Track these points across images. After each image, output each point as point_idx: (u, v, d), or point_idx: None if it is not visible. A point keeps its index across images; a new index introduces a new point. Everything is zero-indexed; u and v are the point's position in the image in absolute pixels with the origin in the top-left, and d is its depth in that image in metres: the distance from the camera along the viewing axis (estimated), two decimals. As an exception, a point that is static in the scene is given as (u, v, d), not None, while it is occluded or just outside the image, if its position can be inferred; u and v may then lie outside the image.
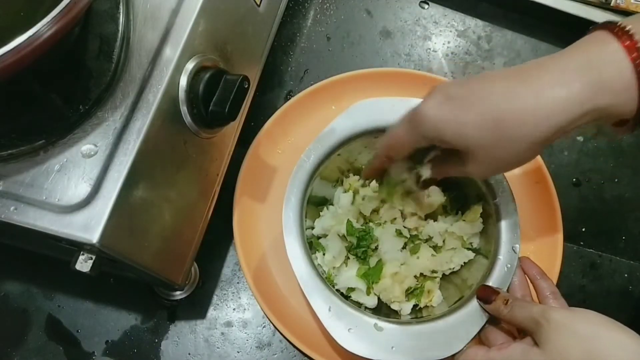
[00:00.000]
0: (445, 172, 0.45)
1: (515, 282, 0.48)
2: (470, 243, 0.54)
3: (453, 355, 0.46)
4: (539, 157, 0.58)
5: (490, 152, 0.38)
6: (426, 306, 0.52)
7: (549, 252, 0.56)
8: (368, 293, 0.52)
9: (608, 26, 0.37)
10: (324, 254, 0.53)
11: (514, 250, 0.49)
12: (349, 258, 0.54)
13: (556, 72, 0.36)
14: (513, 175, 0.56)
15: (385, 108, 0.53)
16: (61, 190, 0.38)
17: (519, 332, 0.45)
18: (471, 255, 0.53)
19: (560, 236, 0.56)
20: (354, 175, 0.57)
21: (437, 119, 0.38)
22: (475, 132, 0.37)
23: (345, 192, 0.56)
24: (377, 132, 0.53)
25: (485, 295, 0.46)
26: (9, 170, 0.38)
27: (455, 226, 0.53)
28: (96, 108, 0.40)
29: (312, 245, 0.54)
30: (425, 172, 0.47)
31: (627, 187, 0.61)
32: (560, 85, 0.36)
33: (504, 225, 0.50)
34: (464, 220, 0.53)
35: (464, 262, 0.53)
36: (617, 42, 0.35)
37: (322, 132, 0.52)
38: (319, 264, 0.52)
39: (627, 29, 0.36)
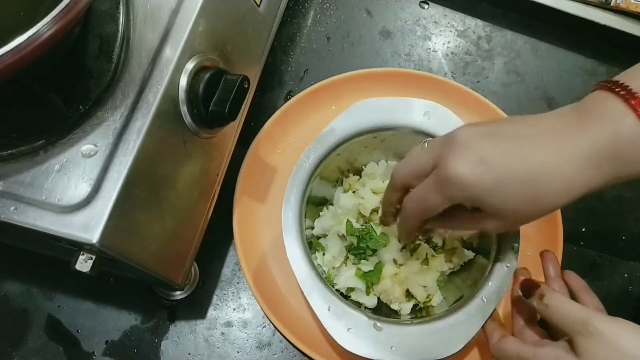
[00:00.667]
0: (456, 226, 0.44)
1: (551, 272, 0.48)
2: (470, 243, 0.54)
3: (454, 353, 0.46)
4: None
5: (521, 216, 0.39)
6: (426, 306, 0.52)
7: (549, 252, 0.56)
8: (368, 293, 0.52)
9: (609, 87, 0.37)
10: (323, 254, 0.53)
11: (513, 250, 0.49)
12: (348, 258, 0.54)
13: (584, 144, 0.37)
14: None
15: (385, 108, 0.53)
16: (61, 190, 0.38)
17: (551, 327, 0.44)
18: (471, 255, 0.53)
19: (560, 236, 0.56)
20: (354, 175, 0.57)
21: (477, 188, 0.37)
22: (512, 198, 0.37)
23: (345, 192, 0.56)
24: (377, 132, 0.53)
25: (528, 287, 0.44)
26: (9, 170, 0.38)
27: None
28: (96, 108, 0.40)
29: (311, 245, 0.54)
30: (438, 239, 0.50)
31: (627, 187, 0.61)
32: (589, 159, 0.37)
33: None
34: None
35: (464, 262, 0.53)
36: (628, 109, 0.36)
37: (322, 132, 0.52)
38: (318, 264, 0.52)
39: (630, 88, 0.36)
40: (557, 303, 0.41)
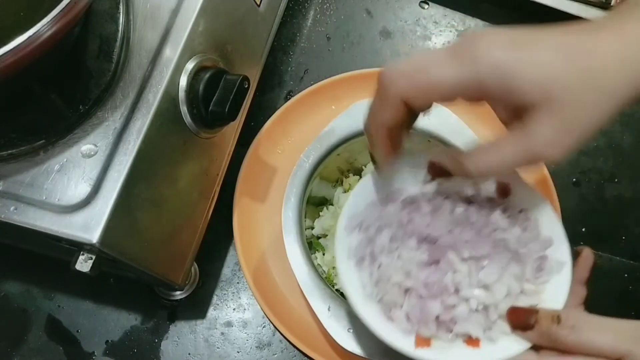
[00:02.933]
0: (496, 151, 0.32)
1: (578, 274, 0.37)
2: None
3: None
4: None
5: (578, 109, 0.29)
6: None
7: (548, 252, 0.55)
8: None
9: None
10: (323, 254, 0.53)
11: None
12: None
13: (632, 31, 0.29)
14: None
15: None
16: (61, 190, 0.38)
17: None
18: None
19: (560, 236, 0.56)
20: (354, 175, 0.57)
21: (510, 60, 0.29)
22: (564, 77, 0.28)
23: (345, 192, 0.56)
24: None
25: (519, 319, 0.33)
26: (9, 170, 0.38)
27: None
28: (96, 108, 0.40)
29: (311, 245, 0.54)
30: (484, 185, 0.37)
31: (627, 187, 0.61)
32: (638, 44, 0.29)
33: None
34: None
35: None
36: None
37: (321, 132, 0.52)
38: (318, 264, 0.52)
39: None
40: (588, 325, 0.32)
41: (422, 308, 0.35)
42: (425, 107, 0.32)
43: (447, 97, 0.31)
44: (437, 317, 0.35)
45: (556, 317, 0.32)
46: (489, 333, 0.35)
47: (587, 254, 0.39)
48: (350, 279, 0.36)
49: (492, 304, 0.35)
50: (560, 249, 0.38)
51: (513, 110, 0.30)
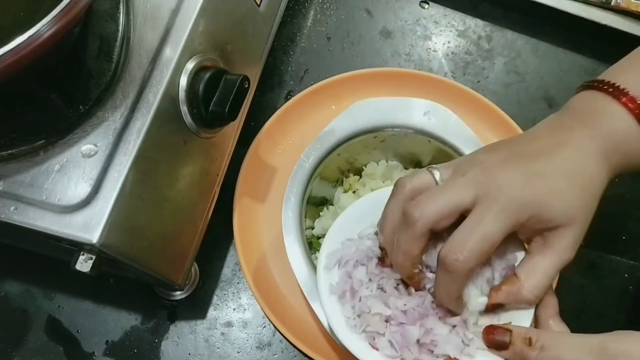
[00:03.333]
0: (538, 272, 0.37)
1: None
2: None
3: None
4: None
5: (583, 216, 0.37)
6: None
7: (549, 252, 0.56)
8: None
9: (597, 86, 0.39)
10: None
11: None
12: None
13: (591, 143, 0.37)
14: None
15: (385, 108, 0.53)
16: (61, 190, 0.38)
17: None
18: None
19: (560, 236, 0.56)
20: (354, 175, 0.57)
21: (535, 197, 0.35)
22: (576, 200, 0.36)
23: (345, 192, 0.56)
24: (377, 131, 0.53)
25: (495, 338, 0.36)
26: (9, 170, 0.38)
27: None
28: (96, 108, 0.40)
29: (312, 245, 0.54)
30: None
31: (627, 187, 0.61)
32: (599, 154, 0.37)
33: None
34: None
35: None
36: (616, 103, 0.37)
37: (322, 132, 0.52)
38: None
39: (618, 85, 0.37)
40: (554, 341, 0.35)
41: (403, 334, 0.37)
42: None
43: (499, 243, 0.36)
44: (418, 341, 0.37)
45: (527, 339, 0.35)
46: (468, 350, 0.37)
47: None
48: (335, 313, 0.40)
49: (469, 318, 0.37)
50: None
51: (540, 232, 0.37)
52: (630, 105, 0.37)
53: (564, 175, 0.36)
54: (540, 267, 0.36)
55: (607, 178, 0.38)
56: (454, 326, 0.37)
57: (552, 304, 0.38)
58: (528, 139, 0.39)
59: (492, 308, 0.37)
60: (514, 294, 0.37)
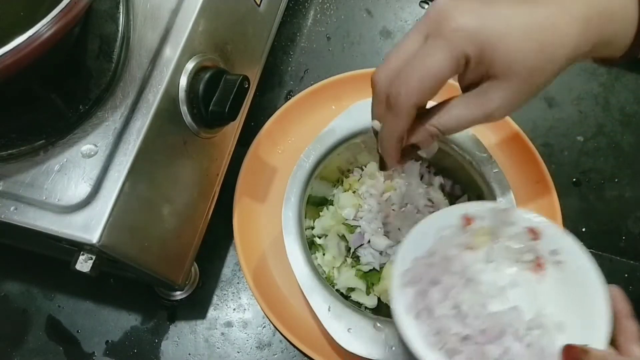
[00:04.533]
0: (460, 112, 0.36)
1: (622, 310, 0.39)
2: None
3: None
4: (538, 157, 0.58)
5: (530, 77, 0.34)
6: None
7: (549, 252, 0.56)
8: (368, 293, 0.52)
9: None
10: (323, 254, 0.53)
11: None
12: (347, 260, 0.54)
13: (577, 2, 0.34)
14: (513, 175, 0.56)
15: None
16: (61, 190, 0.38)
17: None
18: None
19: (560, 236, 0.56)
20: (354, 175, 0.57)
21: (489, 31, 0.33)
22: (523, 52, 0.33)
23: (345, 192, 0.56)
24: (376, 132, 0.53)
25: (572, 358, 0.36)
26: (9, 170, 0.38)
27: None
28: (96, 108, 0.40)
29: (312, 245, 0.54)
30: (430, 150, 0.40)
31: (627, 187, 0.61)
32: (582, 15, 0.34)
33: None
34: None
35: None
36: None
37: (321, 132, 0.52)
38: (318, 264, 0.52)
39: None
40: None
41: (481, 353, 0.38)
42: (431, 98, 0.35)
43: (446, 80, 0.34)
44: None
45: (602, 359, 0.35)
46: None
47: (616, 291, 0.41)
48: (413, 333, 0.39)
49: (546, 338, 0.39)
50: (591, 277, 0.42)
51: (475, 78, 0.34)
52: None
53: (527, 24, 0.34)
54: (455, 110, 0.35)
55: (579, 48, 0.35)
56: (529, 345, 0.38)
57: (630, 330, 0.38)
58: None
59: (408, 149, 0.38)
60: (423, 127, 0.36)
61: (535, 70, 0.34)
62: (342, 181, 0.57)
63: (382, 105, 0.36)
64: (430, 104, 0.37)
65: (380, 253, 0.52)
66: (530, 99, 0.36)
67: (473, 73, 0.34)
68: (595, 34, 0.35)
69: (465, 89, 0.36)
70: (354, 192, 0.55)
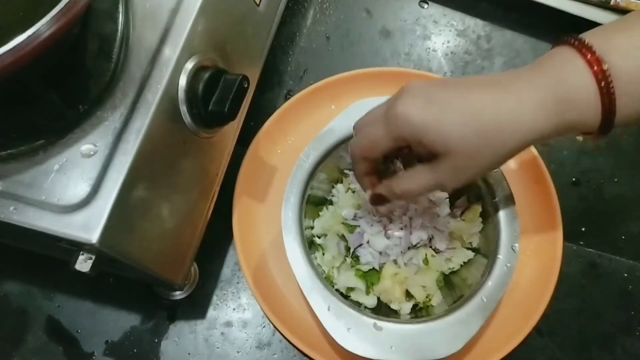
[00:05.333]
0: (410, 182, 0.43)
1: None
2: (470, 242, 0.54)
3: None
4: (538, 157, 0.58)
5: (469, 159, 0.39)
6: (426, 306, 0.52)
7: (548, 252, 0.56)
8: (367, 293, 0.52)
9: (569, 41, 0.38)
10: (323, 254, 0.53)
11: (513, 249, 0.49)
12: (346, 260, 0.54)
13: (532, 88, 0.37)
14: (512, 175, 0.56)
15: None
16: (60, 190, 0.38)
17: None
18: (471, 254, 0.53)
19: (560, 236, 0.56)
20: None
21: (419, 121, 0.38)
22: (459, 136, 0.38)
23: (345, 192, 0.56)
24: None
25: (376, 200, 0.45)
26: (9, 170, 0.38)
27: (454, 226, 0.53)
28: (95, 108, 0.40)
29: (312, 244, 0.54)
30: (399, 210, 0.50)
31: (627, 187, 0.61)
32: (535, 100, 0.37)
33: (503, 224, 0.50)
34: (463, 220, 0.53)
35: (464, 262, 0.53)
36: (580, 58, 0.36)
37: (321, 132, 0.52)
38: (318, 264, 0.52)
39: (587, 42, 0.37)
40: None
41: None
42: (379, 157, 0.43)
43: (386, 151, 0.42)
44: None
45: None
46: None
47: None
48: None
49: None
50: None
51: (428, 154, 0.40)
52: (594, 65, 0.36)
53: (467, 111, 0.38)
54: (415, 178, 0.42)
55: (535, 132, 0.37)
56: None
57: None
58: (479, 75, 0.41)
59: (376, 198, 0.46)
60: (388, 188, 0.44)
61: (475, 155, 0.38)
62: (342, 180, 0.57)
63: (361, 165, 0.45)
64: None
65: (380, 253, 0.52)
66: (479, 176, 0.43)
67: (422, 149, 0.39)
68: (555, 119, 0.37)
69: (427, 159, 0.41)
70: (353, 191, 0.55)
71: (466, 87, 0.39)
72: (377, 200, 0.46)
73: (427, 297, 0.52)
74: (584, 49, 0.36)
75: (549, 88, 0.37)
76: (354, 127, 0.44)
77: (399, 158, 0.47)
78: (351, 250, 0.53)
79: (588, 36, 0.37)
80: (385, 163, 0.47)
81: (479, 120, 0.37)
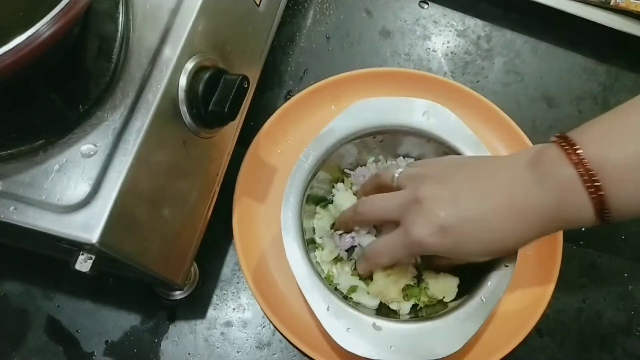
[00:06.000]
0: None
1: None
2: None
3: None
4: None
5: (474, 259, 0.46)
6: (426, 305, 0.52)
7: (548, 252, 0.56)
8: (370, 292, 0.52)
9: (558, 141, 0.40)
10: (322, 251, 0.53)
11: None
12: (340, 260, 0.54)
13: (529, 213, 0.42)
14: (513, 175, 0.56)
15: (385, 108, 0.53)
16: (61, 190, 0.38)
17: None
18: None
19: (560, 236, 0.56)
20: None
21: (441, 249, 0.43)
22: (475, 256, 0.45)
23: (346, 191, 0.56)
24: (376, 131, 0.53)
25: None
26: (8, 170, 0.38)
27: None
28: (95, 108, 0.40)
29: (311, 243, 0.54)
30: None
31: (627, 186, 0.61)
32: (529, 212, 0.41)
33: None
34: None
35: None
36: (566, 159, 0.39)
37: (321, 132, 0.52)
38: (317, 262, 0.52)
39: (573, 143, 0.39)
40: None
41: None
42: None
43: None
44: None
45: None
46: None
47: None
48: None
49: None
50: None
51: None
52: (578, 165, 0.38)
53: (480, 240, 0.43)
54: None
55: (525, 238, 0.44)
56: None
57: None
58: (480, 172, 0.44)
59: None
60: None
61: (476, 258, 0.46)
62: (343, 180, 0.57)
63: (360, 222, 0.52)
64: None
65: None
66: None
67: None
68: (551, 225, 0.42)
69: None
70: (354, 193, 0.55)
71: (478, 202, 0.42)
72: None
73: (424, 288, 0.52)
74: (569, 150, 0.39)
75: (547, 208, 0.41)
76: (359, 212, 0.50)
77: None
78: (341, 253, 0.53)
79: (576, 134, 0.40)
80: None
81: (487, 243, 0.44)
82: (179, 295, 0.55)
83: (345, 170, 0.57)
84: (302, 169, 0.51)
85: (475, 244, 0.43)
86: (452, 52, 0.65)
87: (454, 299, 0.50)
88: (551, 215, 0.41)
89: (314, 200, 0.55)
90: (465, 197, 0.43)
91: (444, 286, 0.51)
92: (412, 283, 0.52)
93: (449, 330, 0.46)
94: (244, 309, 0.56)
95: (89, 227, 0.37)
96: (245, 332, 0.55)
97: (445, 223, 0.42)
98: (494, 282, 0.48)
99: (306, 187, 0.51)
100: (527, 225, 0.42)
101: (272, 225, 0.55)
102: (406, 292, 0.52)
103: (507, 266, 0.48)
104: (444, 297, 0.51)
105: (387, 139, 0.54)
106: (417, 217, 0.43)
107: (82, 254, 0.38)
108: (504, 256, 0.46)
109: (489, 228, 0.42)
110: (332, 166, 0.55)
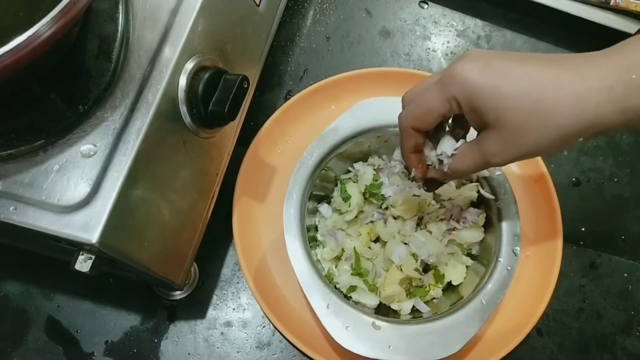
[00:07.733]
0: (458, 161, 0.42)
1: None
2: (470, 249, 0.54)
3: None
4: (538, 157, 0.58)
5: (519, 134, 0.36)
6: (434, 298, 0.52)
7: (548, 252, 0.56)
8: (371, 290, 0.52)
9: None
10: (323, 248, 0.53)
11: (514, 253, 0.49)
12: (340, 259, 0.54)
13: (602, 69, 0.35)
14: (513, 175, 0.56)
15: (389, 107, 0.53)
16: (60, 190, 0.38)
17: None
18: (469, 262, 0.53)
19: (560, 236, 0.56)
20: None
21: (476, 84, 0.36)
22: (513, 106, 0.35)
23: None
24: (380, 131, 0.53)
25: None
26: (9, 170, 0.38)
27: (456, 233, 0.53)
28: (95, 108, 0.40)
29: (313, 240, 0.54)
30: (448, 147, 0.42)
31: (627, 186, 0.61)
32: (603, 83, 0.34)
33: (505, 227, 0.50)
34: (466, 228, 0.53)
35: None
36: None
37: (325, 130, 0.52)
38: (317, 260, 0.52)
39: None
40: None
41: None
42: (431, 126, 0.41)
43: (440, 117, 0.40)
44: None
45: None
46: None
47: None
48: None
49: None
50: None
51: (479, 122, 0.38)
52: None
53: (529, 84, 0.35)
54: (465, 159, 0.41)
55: (600, 117, 0.34)
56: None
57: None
58: (542, 54, 0.38)
59: (429, 183, 0.45)
60: (441, 173, 0.43)
61: (526, 130, 0.36)
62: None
63: (411, 139, 0.42)
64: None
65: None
66: (526, 156, 0.38)
67: (474, 116, 0.38)
68: (621, 104, 0.34)
69: (478, 133, 0.40)
70: (375, 169, 0.55)
71: (529, 60, 0.36)
72: (431, 184, 0.45)
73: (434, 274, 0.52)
74: None
75: (624, 72, 0.34)
76: (402, 99, 0.42)
77: (447, 128, 0.44)
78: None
79: None
80: (436, 135, 0.43)
81: (537, 95, 0.35)
82: (178, 295, 0.55)
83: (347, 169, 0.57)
84: (305, 166, 0.51)
85: (518, 97, 0.35)
86: (452, 52, 0.65)
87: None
88: (623, 94, 0.34)
89: (317, 197, 0.55)
90: (517, 55, 0.37)
91: (453, 269, 0.51)
92: (418, 276, 0.51)
93: (448, 332, 0.46)
94: (244, 309, 0.56)
95: (88, 227, 0.37)
96: (245, 332, 0.55)
97: (493, 61, 0.36)
98: (494, 285, 0.48)
99: (309, 185, 0.51)
100: (589, 97, 0.34)
101: (272, 225, 0.55)
102: (413, 292, 0.52)
103: (508, 269, 0.48)
104: (451, 281, 0.51)
105: (391, 139, 0.54)
106: (460, 57, 0.37)
107: (82, 254, 0.38)
108: (542, 150, 0.37)
109: (540, 83, 0.35)
110: (335, 164, 0.55)
